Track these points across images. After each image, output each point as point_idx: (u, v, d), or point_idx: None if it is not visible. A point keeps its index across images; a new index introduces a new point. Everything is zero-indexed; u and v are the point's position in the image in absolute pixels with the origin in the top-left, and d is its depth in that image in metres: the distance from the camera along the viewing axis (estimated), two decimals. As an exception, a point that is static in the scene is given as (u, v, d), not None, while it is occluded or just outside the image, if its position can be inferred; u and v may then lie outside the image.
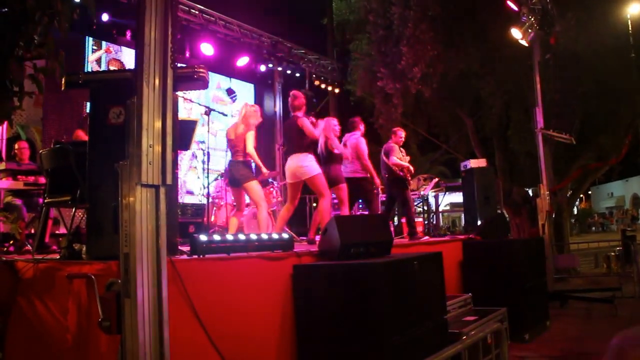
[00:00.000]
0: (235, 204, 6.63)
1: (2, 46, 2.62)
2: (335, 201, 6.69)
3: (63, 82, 3.50)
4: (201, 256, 3.29)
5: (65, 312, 3.03)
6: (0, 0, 2.58)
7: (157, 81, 2.10)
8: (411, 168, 7.21)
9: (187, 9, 10.34)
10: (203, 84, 3.80)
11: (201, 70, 3.64)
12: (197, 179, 11.27)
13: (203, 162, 7.15)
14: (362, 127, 6.90)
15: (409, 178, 7.18)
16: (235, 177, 5.81)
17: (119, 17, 9.68)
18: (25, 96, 2.99)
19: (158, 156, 2.06)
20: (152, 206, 2.03)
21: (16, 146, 6.17)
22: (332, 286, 3.52)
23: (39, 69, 2.99)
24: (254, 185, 5.78)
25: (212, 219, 8.12)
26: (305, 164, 5.62)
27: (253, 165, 6.07)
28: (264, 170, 6.31)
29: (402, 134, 7.46)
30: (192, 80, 3.68)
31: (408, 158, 7.47)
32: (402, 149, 7.47)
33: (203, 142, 8.70)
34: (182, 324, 2.81)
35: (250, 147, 5.76)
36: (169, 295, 2.08)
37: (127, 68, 8.98)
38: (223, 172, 8.97)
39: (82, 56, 9.74)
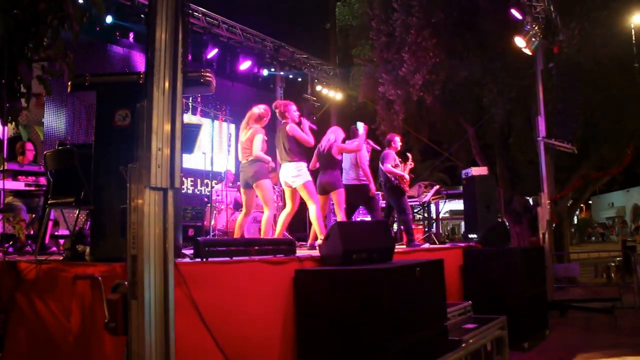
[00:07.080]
0: (237, 205, 6.50)
1: (12, 47, 2.63)
2: (331, 202, 6.67)
3: (69, 84, 3.51)
4: (204, 259, 3.30)
5: (68, 313, 3.03)
6: (11, 2, 2.59)
7: (167, 85, 2.11)
8: (406, 176, 7.10)
9: (190, 12, 10.36)
10: (209, 88, 3.81)
11: (207, 74, 3.65)
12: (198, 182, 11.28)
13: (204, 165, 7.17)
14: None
15: (404, 186, 7.10)
16: (246, 177, 5.60)
17: (122, 20, 9.70)
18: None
19: (167, 159, 2.07)
20: (160, 209, 2.04)
21: (21, 147, 6.17)
22: (333, 291, 3.53)
23: (47, 71, 3.00)
24: (266, 184, 5.53)
25: (212, 222, 8.14)
26: (293, 174, 5.64)
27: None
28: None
29: (398, 139, 7.42)
30: (199, 84, 3.69)
31: (412, 165, 7.45)
32: (408, 154, 7.47)
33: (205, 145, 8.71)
34: (187, 326, 2.81)
35: (257, 149, 5.56)
36: (174, 298, 2.09)
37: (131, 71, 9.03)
38: (223, 175, 9.00)
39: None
